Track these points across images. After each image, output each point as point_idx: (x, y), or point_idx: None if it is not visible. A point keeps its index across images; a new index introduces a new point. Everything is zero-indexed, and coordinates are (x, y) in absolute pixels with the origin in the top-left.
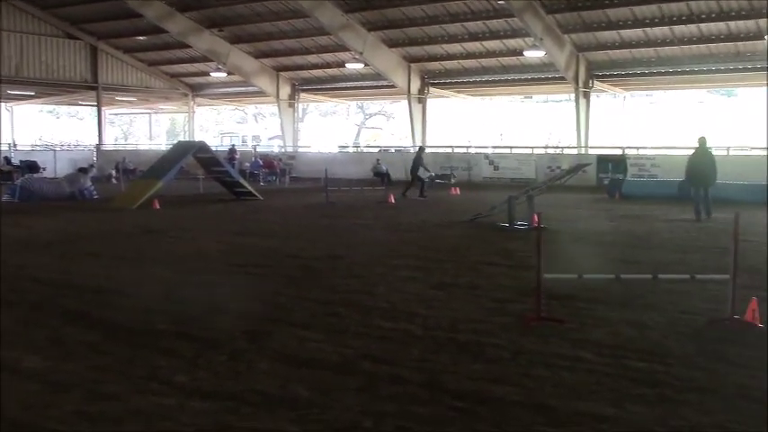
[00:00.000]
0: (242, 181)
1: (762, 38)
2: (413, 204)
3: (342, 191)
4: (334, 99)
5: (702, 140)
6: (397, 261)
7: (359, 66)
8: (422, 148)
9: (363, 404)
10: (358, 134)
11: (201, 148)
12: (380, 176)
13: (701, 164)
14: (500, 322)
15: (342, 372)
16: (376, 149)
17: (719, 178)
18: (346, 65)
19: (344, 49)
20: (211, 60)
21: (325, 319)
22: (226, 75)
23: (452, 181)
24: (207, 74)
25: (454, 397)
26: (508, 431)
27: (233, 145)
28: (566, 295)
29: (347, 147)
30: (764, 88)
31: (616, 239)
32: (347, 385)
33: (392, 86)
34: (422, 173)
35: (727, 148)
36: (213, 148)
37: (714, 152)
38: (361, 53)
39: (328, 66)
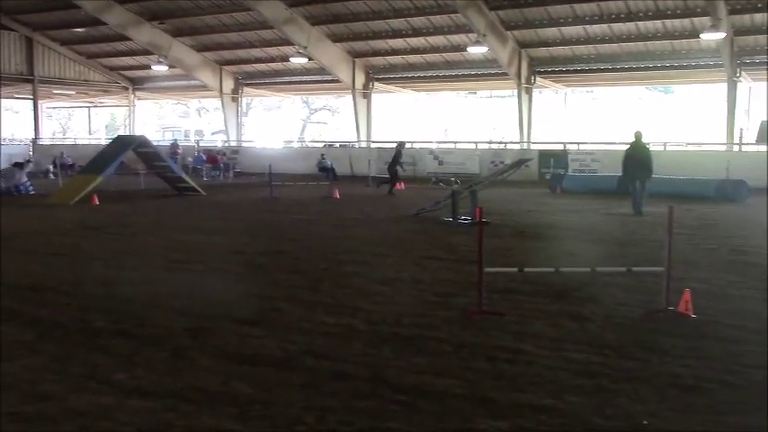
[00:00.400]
0: (184, 176)
1: (696, 36)
2: (357, 199)
3: (286, 186)
4: (279, 93)
5: (638, 135)
6: (341, 256)
7: (303, 60)
8: (402, 144)
9: (306, 400)
10: (303, 129)
11: (142, 142)
12: (326, 171)
13: (637, 158)
14: (443, 316)
15: (285, 368)
16: (321, 144)
17: (658, 173)
18: (290, 59)
19: (289, 43)
20: (152, 54)
21: (269, 314)
22: (167, 68)
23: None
24: (148, 67)
25: (396, 391)
26: (449, 424)
27: (175, 140)
28: (507, 288)
29: (292, 142)
30: (700, 85)
31: (557, 233)
32: (290, 381)
33: (337, 81)
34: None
35: (665, 144)
36: (155, 143)
37: (650, 147)
38: (305, 47)
39: (272, 60)
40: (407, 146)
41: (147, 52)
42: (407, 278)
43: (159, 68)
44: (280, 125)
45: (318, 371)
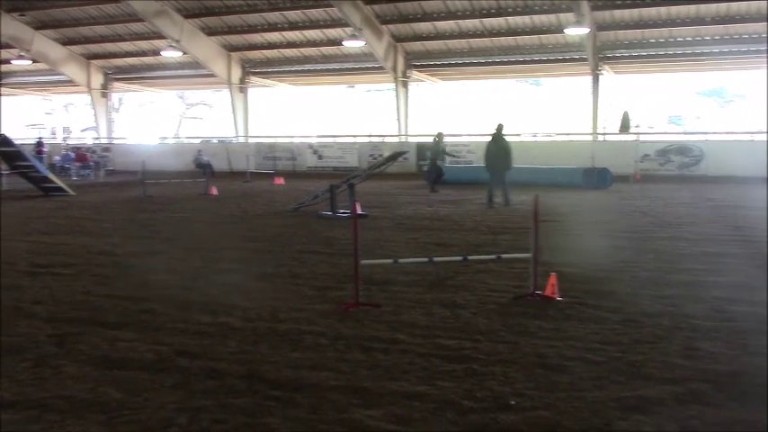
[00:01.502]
0: (51, 176)
1: (562, 31)
2: (235, 196)
3: (161, 184)
4: (152, 88)
5: (499, 127)
6: (216, 253)
7: (176, 54)
8: (441, 135)
9: (178, 401)
10: (179, 125)
11: (3, 141)
12: (203, 168)
13: (497, 150)
14: (320, 310)
15: (156, 370)
16: (198, 140)
17: (530, 163)
18: (162, 53)
19: (160, 36)
20: (12, 47)
21: (140, 317)
22: (30, 62)
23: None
24: (8, 61)
25: (272, 386)
26: (324, 416)
27: (40, 137)
28: (383, 280)
29: (167, 138)
30: (566, 78)
31: (432, 224)
32: (162, 383)
33: (212, 76)
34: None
35: (535, 134)
36: (17, 141)
37: (511, 138)
38: (177, 41)
39: (144, 54)
40: (288, 141)
41: (7, 46)
42: (285, 273)
43: (21, 63)
44: (154, 121)
45: (192, 371)
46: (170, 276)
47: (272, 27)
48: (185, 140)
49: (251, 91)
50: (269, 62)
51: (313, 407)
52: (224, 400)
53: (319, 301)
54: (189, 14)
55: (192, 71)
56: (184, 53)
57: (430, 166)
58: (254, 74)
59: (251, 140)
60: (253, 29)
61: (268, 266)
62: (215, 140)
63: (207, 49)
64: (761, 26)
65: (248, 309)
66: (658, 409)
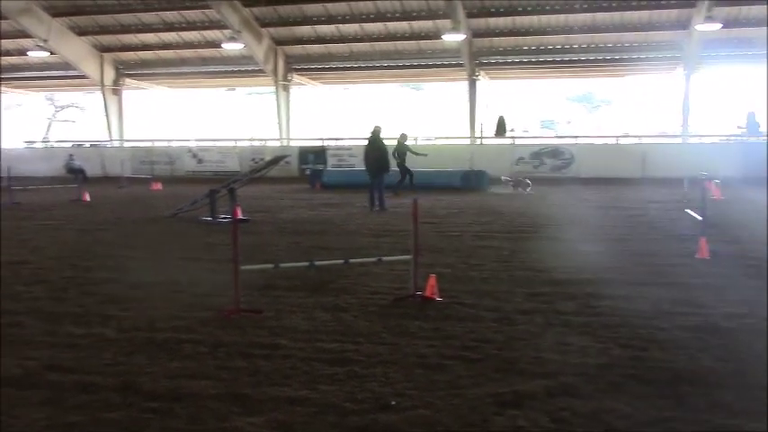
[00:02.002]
0: None
1: (439, 37)
2: (110, 202)
3: (29, 190)
4: (17, 90)
5: (376, 130)
6: (90, 262)
7: (44, 54)
8: (404, 135)
9: (49, 417)
10: (49, 128)
11: None
12: (74, 173)
13: (374, 153)
14: (199, 317)
15: (24, 386)
16: (69, 144)
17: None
18: (28, 53)
19: (26, 35)
20: None
21: (7, 330)
22: None
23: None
24: None
25: (149, 398)
26: (204, 425)
27: None
28: (265, 285)
29: (35, 142)
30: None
31: (314, 227)
32: (30, 400)
33: (84, 77)
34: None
35: (415, 138)
36: None
37: (390, 142)
38: (45, 41)
39: (8, 54)
40: (165, 144)
41: None
42: (163, 281)
43: None
44: (21, 124)
45: (64, 385)
46: (40, 287)
47: (147, 28)
48: (55, 144)
49: (125, 93)
50: (144, 64)
51: (192, 417)
52: (98, 415)
53: (199, 308)
54: (57, 13)
55: (62, 72)
56: (53, 53)
57: (399, 168)
58: (129, 76)
59: (126, 144)
60: (126, 29)
61: (145, 275)
62: (87, 144)
63: (77, 50)
64: (624, 36)
65: (124, 318)
66: (531, 403)
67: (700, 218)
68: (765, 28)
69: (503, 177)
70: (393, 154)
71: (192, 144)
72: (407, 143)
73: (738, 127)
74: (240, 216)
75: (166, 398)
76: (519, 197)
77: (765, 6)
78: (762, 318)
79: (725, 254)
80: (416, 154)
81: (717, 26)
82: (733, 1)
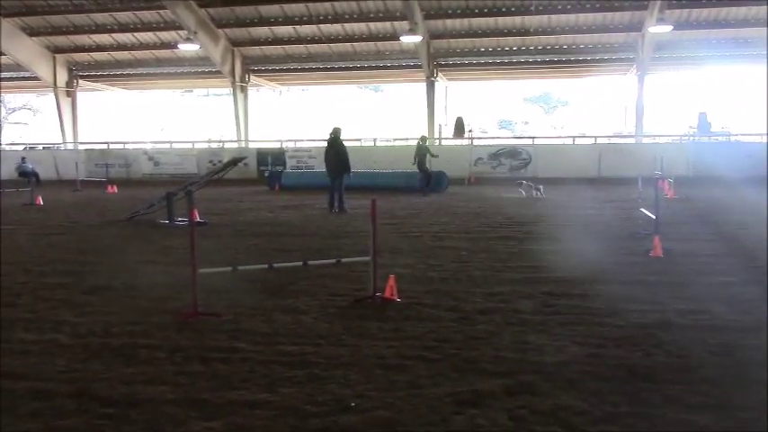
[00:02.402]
0: None
1: (397, 39)
2: (64, 205)
3: None
4: None
5: (335, 131)
6: (43, 267)
7: None
8: (424, 138)
9: (2, 426)
10: (0, 131)
11: None
12: (27, 176)
13: (333, 155)
14: (156, 322)
15: None
16: (21, 147)
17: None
18: None
19: None
20: None
21: None
22: None
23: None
24: None
25: (105, 404)
26: (160, 431)
27: None
28: (224, 288)
29: None
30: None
31: (273, 230)
32: None
33: (36, 79)
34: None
35: (375, 140)
36: None
37: (351, 144)
38: None
39: None
40: (121, 147)
41: None
42: (119, 285)
43: None
44: None
45: (15, 393)
46: None
47: (101, 28)
48: (7, 147)
49: (80, 95)
50: (99, 65)
51: (149, 423)
52: (52, 423)
53: (156, 312)
54: (8, 13)
55: (13, 73)
56: (3, 54)
57: (419, 170)
58: (83, 77)
59: (81, 147)
60: (79, 30)
61: (100, 279)
62: (40, 147)
63: (29, 51)
64: (579, 37)
65: (79, 324)
66: (490, 402)
67: (653, 216)
68: (715, 30)
69: (522, 182)
70: (414, 156)
71: (149, 146)
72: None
73: (690, 127)
74: (198, 219)
75: (122, 404)
76: (477, 198)
77: (714, 9)
78: (713, 313)
79: (678, 252)
80: (434, 156)
81: (668, 28)
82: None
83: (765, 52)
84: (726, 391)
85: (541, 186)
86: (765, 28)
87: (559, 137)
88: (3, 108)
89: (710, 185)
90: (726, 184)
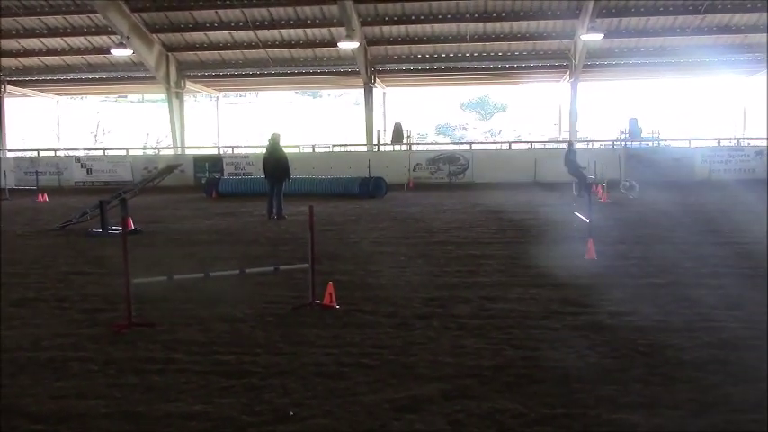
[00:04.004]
0: None
1: (335, 45)
2: None
3: None
4: None
5: (274, 137)
6: None
7: None
8: (571, 143)
9: None
10: None
11: None
12: None
13: (273, 160)
14: (88, 334)
15: None
16: None
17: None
18: None
19: None
20: None
21: None
22: None
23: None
24: None
25: (33, 420)
26: None
27: None
28: (159, 298)
29: None
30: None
31: (211, 237)
32: None
33: None
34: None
35: (313, 146)
36: None
37: (289, 150)
38: None
39: None
40: (52, 154)
41: None
42: (49, 297)
43: None
44: None
45: None
46: None
47: (29, 33)
48: None
49: (8, 101)
50: (27, 70)
51: None
52: None
53: (88, 324)
54: None
55: None
56: None
57: (576, 174)
58: (11, 82)
59: (9, 154)
60: (6, 34)
61: (29, 291)
62: None
63: None
64: (514, 45)
65: (6, 338)
66: (428, 407)
67: (587, 220)
68: (644, 39)
69: (628, 181)
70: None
71: (81, 153)
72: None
73: (621, 132)
74: (132, 227)
75: (52, 419)
76: (415, 203)
77: (642, 18)
78: (644, 314)
79: (611, 254)
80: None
81: (599, 36)
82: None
83: (760, 58)
84: (656, 391)
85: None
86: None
87: (496, 142)
88: None
89: (642, 189)
90: (656, 187)
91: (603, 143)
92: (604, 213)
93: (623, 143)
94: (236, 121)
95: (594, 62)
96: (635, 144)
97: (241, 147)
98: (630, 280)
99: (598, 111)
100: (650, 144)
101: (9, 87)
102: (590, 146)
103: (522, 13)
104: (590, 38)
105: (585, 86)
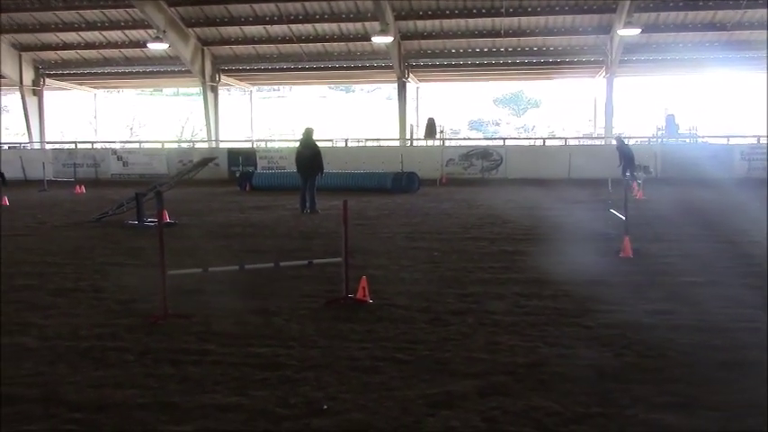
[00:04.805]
0: None
1: (369, 39)
2: (31, 206)
3: None
4: None
5: (307, 131)
6: (10, 269)
7: None
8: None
9: None
10: None
11: None
12: None
13: (306, 155)
14: (125, 324)
15: None
16: None
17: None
18: None
19: None
20: None
21: None
22: None
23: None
24: None
25: (72, 408)
26: None
27: None
28: (193, 290)
29: None
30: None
31: (245, 230)
32: None
33: (2, 77)
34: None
35: (346, 140)
36: None
37: (322, 144)
38: None
39: None
40: (89, 146)
41: None
42: (87, 287)
43: None
44: None
45: None
46: None
47: (68, 26)
48: None
49: (47, 94)
50: (65, 64)
51: (117, 427)
52: (17, 428)
53: (125, 315)
54: None
55: None
56: None
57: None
58: (50, 76)
59: (47, 146)
60: (45, 28)
61: (67, 281)
62: (6, 147)
63: None
64: (549, 39)
65: (45, 327)
66: (463, 403)
67: (623, 217)
68: (682, 33)
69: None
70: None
71: (118, 146)
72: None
73: (658, 128)
74: (167, 220)
75: (90, 408)
76: (448, 198)
77: (681, 13)
78: (683, 313)
79: (647, 252)
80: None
81: (636, 31)
82: (651, 7)
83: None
84: (693, 391)
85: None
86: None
87: (530, 138)
88: None
89: (678, 186)
90: (693, 184)
91: (639, 139)
92: (640, 210)
93: (660, 139)
94: (269, 115)
95: (631, 57)
96: (672, 141)
97: (274, 141)
98: (668, 278)
99: (634, 106)
100: (687, 141)
101: (48, 81)
102: (626, 142)
103: (557, 8)
104: (627, 33)
105: (621, 82)
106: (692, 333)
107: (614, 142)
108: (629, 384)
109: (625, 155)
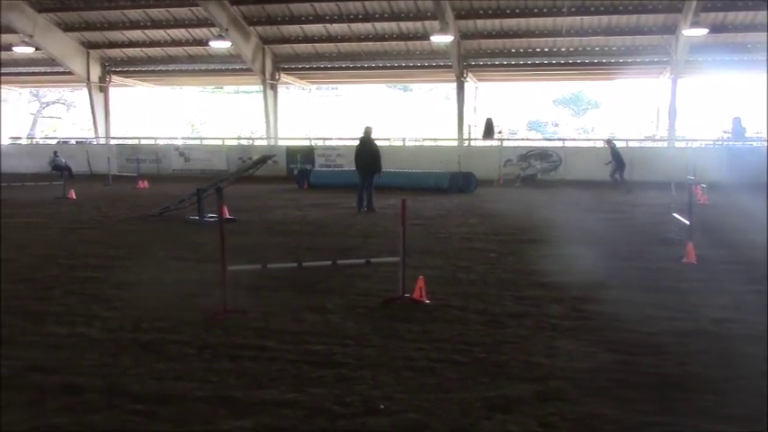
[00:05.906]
0: None
1: (428, 38)
2: (96, 199)
3: (13, 187)
4: (4, 86)
5: (367, 130)
6: (74, 261)
7: (29, 50)
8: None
9: (32, 420)
10: (34, 124)
11: None
12: (60, 170)
13: (365, 154)
14: (185, 318)
15: (7, 387)
16: (54, 141)
17: (399, 167)
18: (13, 48)
19: (11, 30)
20: None
21: None
22: None
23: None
24: None
25: (134, 400)
26: (190, 428)
27: None
28: (252, 286)
29: (20, 138)
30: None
31: (302, 228)
32: (13, 401)
33: (70, 73)
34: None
35: (403, 139)
36: None
37: (380, 143)
38: (30, 36)
39: None
40: (152, 142)
41: None
42: (148, 281)
43: None
44: (5, 120)
45: (47, 387)
46: (22, 286)
47: (134, 25)
48: (41, 141)
49: (112, 90)
50: (131, 61)
51: (178, 419)
52: (82, 417)
53: (185, 309)
54: (43, 8)
55: (47, 68)
56: (38, 49)
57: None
58: (116, 73)
59: (112, 142)
60: (113, 26)
61: (130, 274)
62: (73, 141)
63: (63, 46)
64: (611, 39)
65: (109, 318)
66: (520, 408)
67: (687, 222)
68: (751, 34)
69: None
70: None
71: (179, 142)
72: None
73: (724, 132)
74: (227, 216)
75: (152, 400)
76: (505, 199)
77: (750, 13)
78: (750, 323)
79: (712, 258)
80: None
81: (703, 31)
82: (719, 6)
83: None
84: (759, 403)
85: None
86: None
87: (589, 139)
88: (37, 102)
89: (744, 191)
90: (759, 189)
91: (705, 142)
92: (704, 216)
93: (725, 143)
94: (327, 113)
95: (696, 58)
96: (738, 144)
97: (332, 139)
98: (733, 286)
99: (699, 108)
100: (754, 144)
101: (114, 77)
102: (689, 145)
103: (621, 8)
104: (693, 33)
105: (686, 83)
106: (757, 343)
107: (606, 145)
108: (691, 394)
109: (616, 158)
